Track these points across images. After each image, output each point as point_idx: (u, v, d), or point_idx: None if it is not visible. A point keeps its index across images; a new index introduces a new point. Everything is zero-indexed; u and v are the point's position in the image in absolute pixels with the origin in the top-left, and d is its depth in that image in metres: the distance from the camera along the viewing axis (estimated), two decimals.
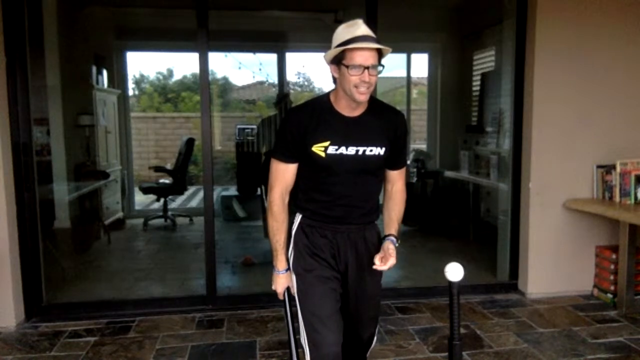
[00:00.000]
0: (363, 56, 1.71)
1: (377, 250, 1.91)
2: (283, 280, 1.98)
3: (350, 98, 1.78)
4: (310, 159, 1.84)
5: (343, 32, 1.76)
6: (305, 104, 1.93)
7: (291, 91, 7.18)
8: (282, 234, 1.94)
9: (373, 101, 1.90)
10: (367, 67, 1.71)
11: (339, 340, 1.86)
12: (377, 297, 2.05)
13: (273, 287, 2.01)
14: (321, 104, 1.88)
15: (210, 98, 3.62)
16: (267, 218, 1.96)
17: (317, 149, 1.82)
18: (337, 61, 1.76)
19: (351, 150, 1.83)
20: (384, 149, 1.86)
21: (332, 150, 1.82)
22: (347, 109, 1.84)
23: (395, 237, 1.92)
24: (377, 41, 1.75)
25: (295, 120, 1.86)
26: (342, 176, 1.86)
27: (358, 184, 1.88)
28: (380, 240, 1.99)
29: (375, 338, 2.13)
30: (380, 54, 1.76)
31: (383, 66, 1.79)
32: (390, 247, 1.86)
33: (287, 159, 1.89)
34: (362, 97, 1.76)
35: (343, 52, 1.73)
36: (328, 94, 1.89)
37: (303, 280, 1.91)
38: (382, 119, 1.89)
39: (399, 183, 2.03)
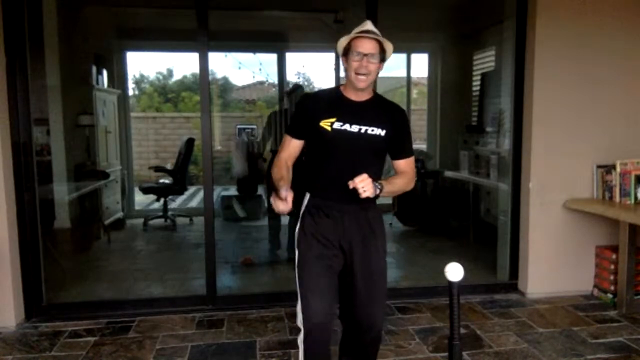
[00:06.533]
0: (363, 45, 2.03)
1: (380, 230, 2.18)
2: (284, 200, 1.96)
3: (352, 84, 2.07)
4: (318, 133, 2.09)
5: (354, 30, 2.06)
6: (319, 91, 2.43)
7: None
8: (282, 172, 2.09)
9: (377, 96, 2.20)
10: (366, 55, 2.02)
11: (330, 311, 2.06)
12: (382, 274, 2.18)
13: (273, 206, 1.98)
14: (333, 91, 2.21)
15: (210, 98, 3.63)
16: (271, 171, 2.18)
17: (325, 124, 2.08)
18: (345, 52, 2.08)
19: (354, 128, 2.08)
20: (384, 131, 2.11)
21: (337, 125, 2.07)
22: (354, 95, 2.13)
23: (380, 183, 2.00)
24: (380, 37, 2.05)
25: (310, 101, 2.25)
26: (345, 152, 2.08)
27: (361, 161, 2.07)
28: (382, 223, 2.21)
29: (381, 335, 2.19)
30: (383, 51, 2.06)
31: (384, 60, 2.09)
32: (359, 178, 1.92)
33: (296, 135, 2.17)
34: (362, 83, 2.05)
35: (349, 43, 2.05)
36: (339, 85, 2.21)
37: (302, 256, 2.11)
38: (383, 107, 2.18)
39: (407, 171, 2.20)
